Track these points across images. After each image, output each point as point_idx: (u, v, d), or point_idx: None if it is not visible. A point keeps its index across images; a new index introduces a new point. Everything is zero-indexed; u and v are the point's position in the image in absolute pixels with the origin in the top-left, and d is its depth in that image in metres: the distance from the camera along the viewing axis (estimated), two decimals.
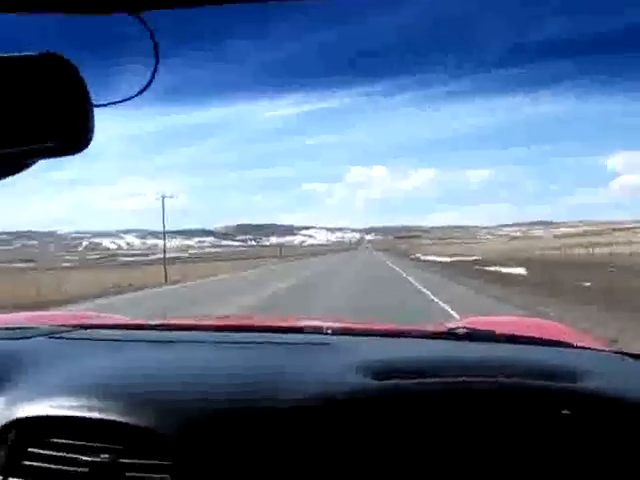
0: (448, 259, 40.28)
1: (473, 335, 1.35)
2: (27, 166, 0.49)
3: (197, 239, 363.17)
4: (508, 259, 33.54)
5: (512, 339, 1.33)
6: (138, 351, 1.35)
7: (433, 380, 0.99)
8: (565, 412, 0.91)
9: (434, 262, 37.19)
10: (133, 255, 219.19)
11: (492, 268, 25.29)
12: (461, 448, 0.91)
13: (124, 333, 1.57)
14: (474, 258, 39.36)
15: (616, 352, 1.30)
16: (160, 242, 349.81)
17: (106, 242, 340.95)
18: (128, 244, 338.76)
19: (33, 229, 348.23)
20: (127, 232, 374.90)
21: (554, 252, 47.43)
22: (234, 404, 0.98)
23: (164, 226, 38.31)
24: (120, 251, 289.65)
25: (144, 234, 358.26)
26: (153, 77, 0.53)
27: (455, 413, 0.94)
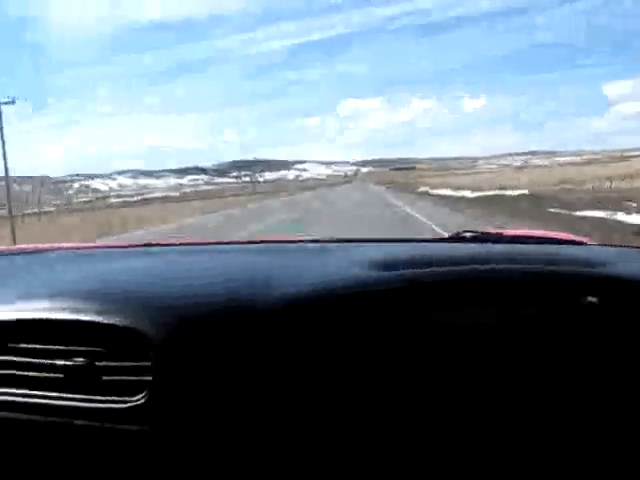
0: (470, 193, 28.06)
1: (482, 237, 1.27)
2: None
3: (190, 177, 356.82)
4: (594, 198, 17.63)
5: (524, 239, 1.25)
6: (120, 261, 1.26)
7: (442, 270, 0.90)
8: (592, 299, 0.84)
9: (457, 199, 25.63)
10: (123, 196, 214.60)
11: (596, 214, 13.25)
12: (480, 341, 0.83)
13: (109, 251, 1.52)
14: (519, 193, 23.68)
15: (633, 247, 1.22)
16: (153, 181, 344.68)
17: (97, 184, 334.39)
18: (120, 185, 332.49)
19: (28, 174, 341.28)
20: (120, 173, 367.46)
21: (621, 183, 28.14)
22: (223, 301, 0.90)
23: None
24: (112, 192, 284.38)
25: (136, 174, 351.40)
26: None
27: (472, 302, 0.86)
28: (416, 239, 1.40)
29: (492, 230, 1.43)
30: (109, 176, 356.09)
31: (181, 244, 1.56)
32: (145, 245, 1.50)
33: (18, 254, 1.41)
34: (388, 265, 0.95)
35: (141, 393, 0.84)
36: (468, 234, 1.29)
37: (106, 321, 0.86)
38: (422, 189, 44.87)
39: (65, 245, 1.60)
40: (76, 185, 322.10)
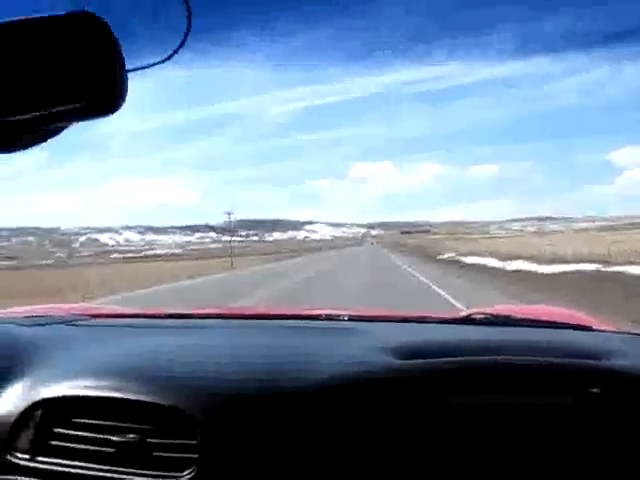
0: (535, 266, 19.01)
1: (492, 320, 1.33)
2: (59, 130, 0.48)
3: (199, 234, 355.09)
4: None
5: (532, 323, 1.30)
6: (160, 336, 1.32)
7: (459, 359, 0.96)
8: (595, 390, 0.88)
9: (524, 276, 15.93)
10: (126, 252, 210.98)
11: None
12: (491, 427, 0.90)
13: (142, 321, 1.56)
14: (594, 268, 15.61)
15: (637, 334, 1.26)
16: (159, 237, 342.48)
17: (104, 238, 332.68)
18: (127, 240, 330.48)
19: (40, 225, 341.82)
20: (127, 228, 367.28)
21: None
22: (259, 384, 0.96)
23: None
24: (118, 247, 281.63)
25: (143, 230, 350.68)
26: (184, 42, 0.52)
27: (484, 392, 0.92)
28: (429, 319, 1.41)
29: (501, 309, 1.49)
30: (116, 231, 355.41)
31: (209, 316, 1.61)
32: (173, 316, 1.54)
33: (51, 323, 1.41)
34: (408, 352, 1.01)
35: (188, 469, 0.89)
36: (479, 316, 1.34)
37: (156, 401, 0.92)
38: (448, 255, 37.02)
39: (89, 310, 1.68)
40: (82, 238, 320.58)
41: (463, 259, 30.01)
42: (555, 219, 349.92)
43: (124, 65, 0.47)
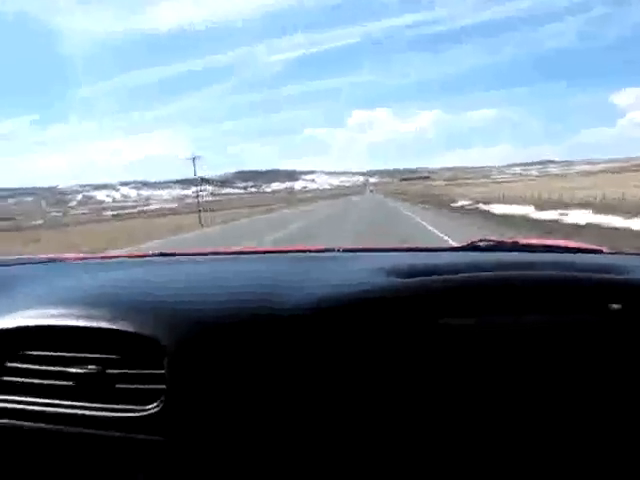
0: (583, 212, 16.64)
1: (499, 247, 1.26)
2: None
3: (195, 188, 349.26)
4: None
5: (544, 247, 1.24)
6: (134, 269, 1.27)
7: (466, 275, 0.88)
8: (615, 306, 0.81)
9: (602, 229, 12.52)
10: (123, 207, 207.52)
11: None
12: (499, 349, 0.82)
13: (126, 260, 1.52)
14: None
15: None
16: (155, 192, 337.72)
17: (101, 195, 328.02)
18: (123, 196, 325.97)
19: (37, 185, 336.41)
20: (124, 184, 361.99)
21: None
22: (240, 308, 0.88)
23: None
24: (113, 204, 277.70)
25: (140, 185, 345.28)
26: None
27: (492, 308, 0.84)
28: (432, 248, 1.39)
29: (507, 240, 1.39)
30: (113, 187, 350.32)
31: (197, 254, 1.56)
32: (160, 254, 1.50)
33: (34, 263, 1.40)
34: (408, 273, 0.94)
35: (155, 402, 0.82)
36: (483, 243, 1.27)
37: (119, 328, 0.84)
38: (464, 203, 31.39)
39: (80, 255, 1.63)
40: (79, 196, 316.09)
41: (486, 207, 24.96)
42: (556, 162, 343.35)
43: None
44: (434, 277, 0.89)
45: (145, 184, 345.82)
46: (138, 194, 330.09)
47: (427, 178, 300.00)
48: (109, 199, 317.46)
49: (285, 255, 1.39)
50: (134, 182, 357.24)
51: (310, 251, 1.39)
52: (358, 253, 1.32)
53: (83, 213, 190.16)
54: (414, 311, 0.84)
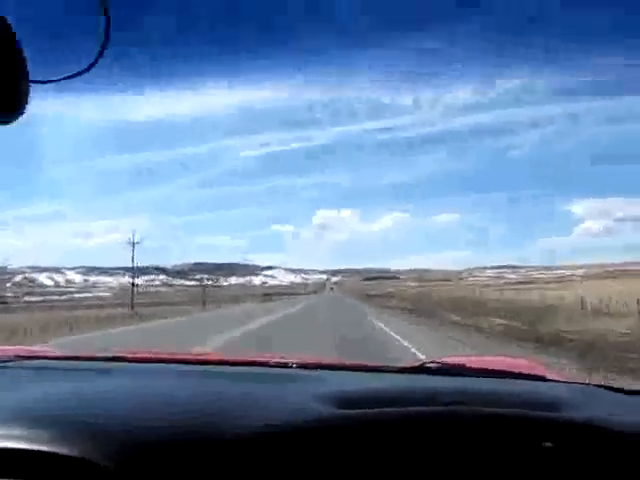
0: None
1: (444, 369, 1.31)
2: None
3: (147, 277, 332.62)
4: None
5: (485, 373, 1.28)
6: (86, 379, 1.23)
7: (403, 409, 0.92)
8: (547, 444, 0.83)
9: None
10: (61, 293, 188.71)
11: None
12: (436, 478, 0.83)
13: (70, 364, 1.47)
14: None
15: (592, 385, 1.25)
16: (103, 278, 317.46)
17: (42, 277, 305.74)
18: (67, 281, 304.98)
19: None
20: (72, 269, 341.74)
21: None
22: (183, 432, 0.87)
23: None
24: (54, 289, 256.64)
25: (89, 270, 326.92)
26: (100, 55, 0.50)
27: (427, 444, 0.86)
28: (382, 368, 1.39)
29: (456, 359, 1.48)
30: (58, 270, 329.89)
31: (147, 360, 1.55)
32: (108, 359, 1.48)
33: None
34: (349, 401, 0.96)
35: None
36: (432, 364, 1.33)
37: (60, 451, 0.80)
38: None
39: (18, 350, 1.60)
40: (18, 277, 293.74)
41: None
42: (515, 267, 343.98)
43: (26, 74, 0.44)
44: (373, 410, 0.91)
45: (94, 269, 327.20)
46: (84, 279, 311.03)
47: (394, 278, 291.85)
48: (50, 282, 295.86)
49: (235, 369, 1.38)
50: (82, 267, 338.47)
51: (265, 364, 1.40)
52: (311, 371, 1.33)
53: (11, 296, 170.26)
54: (352, 442, 0.86)
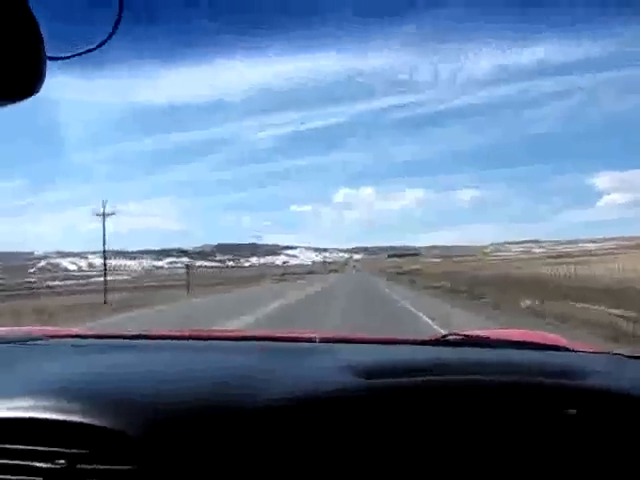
0: None
1: (468, 341, 1.33)
2: None
3: (169, 259, 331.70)
4: None
5: (509, 344, 1.30)
6: (107, 356, 1.26)
7: (428, 379, 0.93)
8: (571, 411, 0.85)
9: None
10: (86, 277, 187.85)
11: None
12: (457, 451, 0.85)
13: (97, 341, 1.53)
14: None
15: (615, 354, 1.25)
16: (126, 262, 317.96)
17: (65, 262, 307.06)
18: (90, 265, 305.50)
19: (14, 250, 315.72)
20: (94, 253, 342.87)
21: None
22: (209, 404, 0.89)
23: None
24: (77, 272, 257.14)
25: (111, 254, 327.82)
26: (114, 31, 0.50)
27: (452, 413, 0.88)
28: (404, 340, 1.42)
29: (477, 332, 1.51)
30: (82, 255, 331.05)
31: (172, 337, 1.58)
32: (134, 337, 1.51)
33: (21, 342, 1.38)
34: (376, 371, 0.97)
35: None
36: (452, 337, 1.34)
37: (90, 422, 0.83)
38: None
39: (47, 330, 1.65)
40: (42, 263, 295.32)
41: None
42: (539, 242, 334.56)
43: (44, 53, 0.45)
44: (398, 379, 0.93)
45: (118, 253, 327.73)
46: (107, 263, 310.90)
47: (417, 255, 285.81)
48: (73, 266, 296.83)
49: (261, 344, 1.40)
50: (106, 251, 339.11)
51: (289, 339, 1.43)
52: (334, 344, 1.36)
53: (30, 282, 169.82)
54: (378, 412, 0.87)
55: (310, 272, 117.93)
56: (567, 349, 1.28)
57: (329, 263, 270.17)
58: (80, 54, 0.50)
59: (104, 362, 1.16)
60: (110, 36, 0.50)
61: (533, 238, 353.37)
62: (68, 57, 0.50)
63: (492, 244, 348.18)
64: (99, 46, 0.51)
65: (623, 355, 1.20)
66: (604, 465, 0.84)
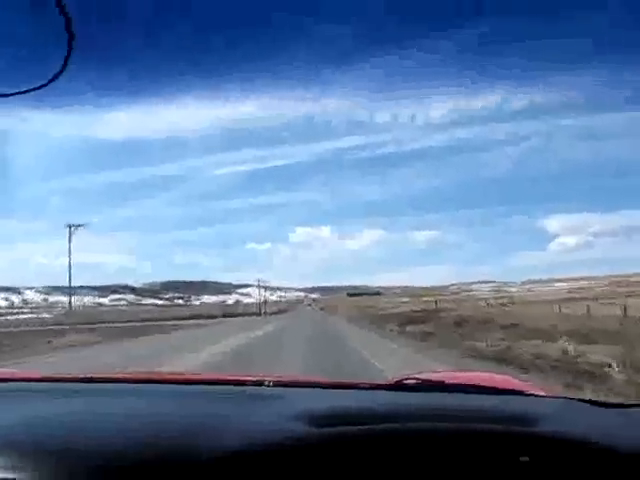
0: None
1: (422, 386, 1.29)
2: None
3: (113, 296, 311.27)
4: None
5: (463, 389, 1.28)
6: (54, 402, 1.20)
7: (379, 427, 0.91)
8: (523, 459, 0.83)
9: None
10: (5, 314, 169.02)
11: None
12: None
13: (42, 385, 1.47)
14: None
15: (570, 398, 1.25)
16: (64, 298, 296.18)
17: None
18: (24, 301, 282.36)
19: None
20: (30, 288, 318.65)
21: None
22: (158, 452, 0.85)
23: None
24: (7, 310, 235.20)
25: (50, 290, 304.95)
26: (63, 68, 0.48)
27: (405, 462, 0.84)
28: (359, 384, 1.37)
29: (433, 375, 1.48)
30: (17, 290, 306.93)
31: (121, 380, 1.53)
32: (83, 380, 1.46)
33: None
34: (325, 419, 0.95)
35: None
36: (410, 381, 1.31)
37: (15, 478, 0.78)
38: None
39: (9, 374, 1.62)
40: None
41: None
42: (490, 282, 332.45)
43: None
44: (350, 427, 0.90)
45: (57, 289, 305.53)
46: (43, 299, 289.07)
47: (378, 294, 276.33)
48: (5, 303, 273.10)
49: (211, 389, 1.37)
50: (44, 286, 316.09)
51: (240, 383, 1.39)
52: (286, 389, 1.33)
53: None
54: (330, 462, 0.84)
55: (253, 313, 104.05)
56: (523, 393, 1.27)
57: (282, 302, 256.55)
58: (32, 90, 0.49)
59: (49, 410, 1.10)
60: (61, 72, 0.49)
61: (491, 279, 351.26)
62: (18, 93, 0.48)
63: (452, 284, 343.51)
64: (50, 81, 0.50)
65: (577, 400, 1.19)
66: None
